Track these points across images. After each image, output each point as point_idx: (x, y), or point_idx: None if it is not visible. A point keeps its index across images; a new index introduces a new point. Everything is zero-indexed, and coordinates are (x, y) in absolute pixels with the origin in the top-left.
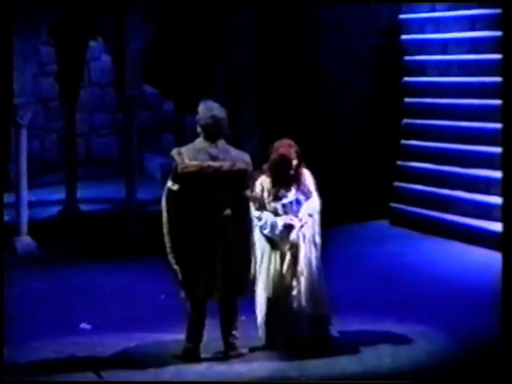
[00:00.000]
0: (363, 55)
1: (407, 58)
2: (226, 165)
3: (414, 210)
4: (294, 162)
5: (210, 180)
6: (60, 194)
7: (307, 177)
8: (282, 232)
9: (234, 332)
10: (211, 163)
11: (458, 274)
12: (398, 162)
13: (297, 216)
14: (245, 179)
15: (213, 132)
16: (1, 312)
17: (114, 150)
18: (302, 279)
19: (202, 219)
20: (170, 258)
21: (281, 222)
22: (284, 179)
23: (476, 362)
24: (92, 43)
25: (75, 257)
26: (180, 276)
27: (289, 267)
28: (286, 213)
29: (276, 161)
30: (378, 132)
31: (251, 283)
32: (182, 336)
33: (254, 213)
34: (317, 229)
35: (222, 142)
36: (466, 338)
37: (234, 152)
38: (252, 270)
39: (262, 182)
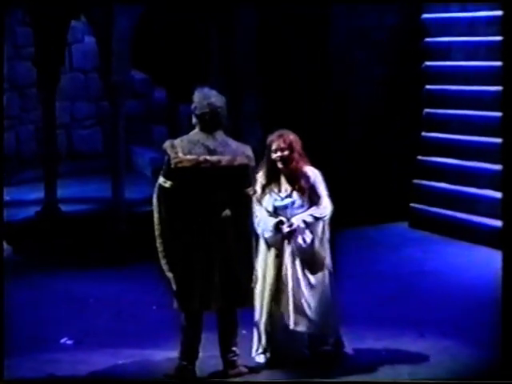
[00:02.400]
0: (379, 36)
1: (429, 39)
2: (225, 159)
3: (436, 210)
4: (282, 154)
5: (207, 176)
6: (38, 193)
7: (313, 177)
8: (271, 236)
9: (234, 348)
10: (208, 157)
11: (486, 282)
12: (419, 157)
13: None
14: (246, 175)
15: (210, 122)
16: (1, 315)
17: (98, 143)
18: (289, 294)
19: (198, 220)
20: (163, 264)
21: (271, 223)
22: (272, 174)
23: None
24: (74, 23)
25: (55, 263)
26: (173, 285)
27: (276, 278)
28: (278, 216)
29: (265, 151)
30: (395, 123)
31: (253, 293)
32: (175, 353)
33: (254, 206)
34: (325, 238)
35: (220, 134)
36: (494, 354)
37: (234, 145)
38: (254, 278)
39: (262, 175)
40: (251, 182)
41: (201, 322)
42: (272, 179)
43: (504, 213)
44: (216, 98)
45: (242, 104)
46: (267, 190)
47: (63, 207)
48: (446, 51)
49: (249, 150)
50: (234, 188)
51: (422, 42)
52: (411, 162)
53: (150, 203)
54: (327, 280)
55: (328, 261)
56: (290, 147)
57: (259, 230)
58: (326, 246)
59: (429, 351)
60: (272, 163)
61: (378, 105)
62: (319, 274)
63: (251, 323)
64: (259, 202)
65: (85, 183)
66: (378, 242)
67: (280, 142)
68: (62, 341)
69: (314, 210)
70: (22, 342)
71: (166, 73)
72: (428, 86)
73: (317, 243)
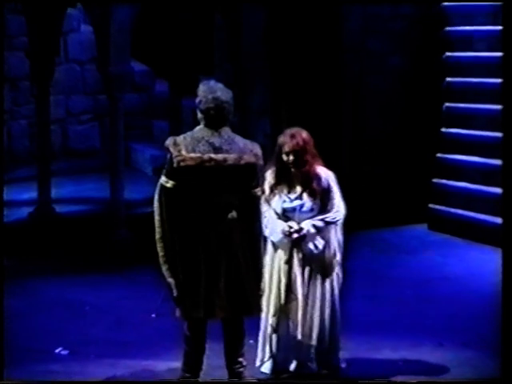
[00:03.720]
0: (396, 26)
1: (449, 28)
2: (231, 158)
3: (457, 212)
4: (295, 157)
5: (211, 176)
6: (31, 193)
7: (326, 179)
8: (279, 240)
9: (241, 359)
10: (213, 156)
11: None
12: (438, 155)
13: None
14: (254, 175)
15: (215, 118)
16: (0, 316)
17: (95, 139)
18: (299, 304)
19: (202, 223)
20: (164, 269)
21: (280, 227)
22: (282, 174)
23: None
24: (70, 11)
25: (49, 268)
26: (175, 291)
27: (285, 286)
28: (287, 218)
29: (275, 150)
30: (413, 118)
31: (260, 301)
32: (177, 363)
33: (262, 207)
34: (337, 245)
35: (226, 131)
36: None
37: (241, 142)
38: (262, 285)
39: (271, 174)
40: (259, 182)
41: (205, 331)
42: (282, 179)
43: (504, 211)
44: (222, 92)
45: (250, 99)
46: (276, 191)
47: (58, 208)
48: (468, 41)
49: (257, 148)
50: (240, 188)
51: (441, 31)
52: (430, 160)
53: (151, 204)
54: (337, 290)
55: (338, 270)
56: (304, 149)
57: (267, 232)
58: (338, 253)
59: (449, 362)
60: (283, 164)
61: (393, 99)
62: (329, 284)
63: (258, 332)
64: (267, 202)
65: (81, 182)
66: (395, 245)
67: (293, 144)
68: (57, 351)
69: (325, 215)
70: (14, 351)
71: (169, 64)
72: (449, 79)
73: (328, 250)
